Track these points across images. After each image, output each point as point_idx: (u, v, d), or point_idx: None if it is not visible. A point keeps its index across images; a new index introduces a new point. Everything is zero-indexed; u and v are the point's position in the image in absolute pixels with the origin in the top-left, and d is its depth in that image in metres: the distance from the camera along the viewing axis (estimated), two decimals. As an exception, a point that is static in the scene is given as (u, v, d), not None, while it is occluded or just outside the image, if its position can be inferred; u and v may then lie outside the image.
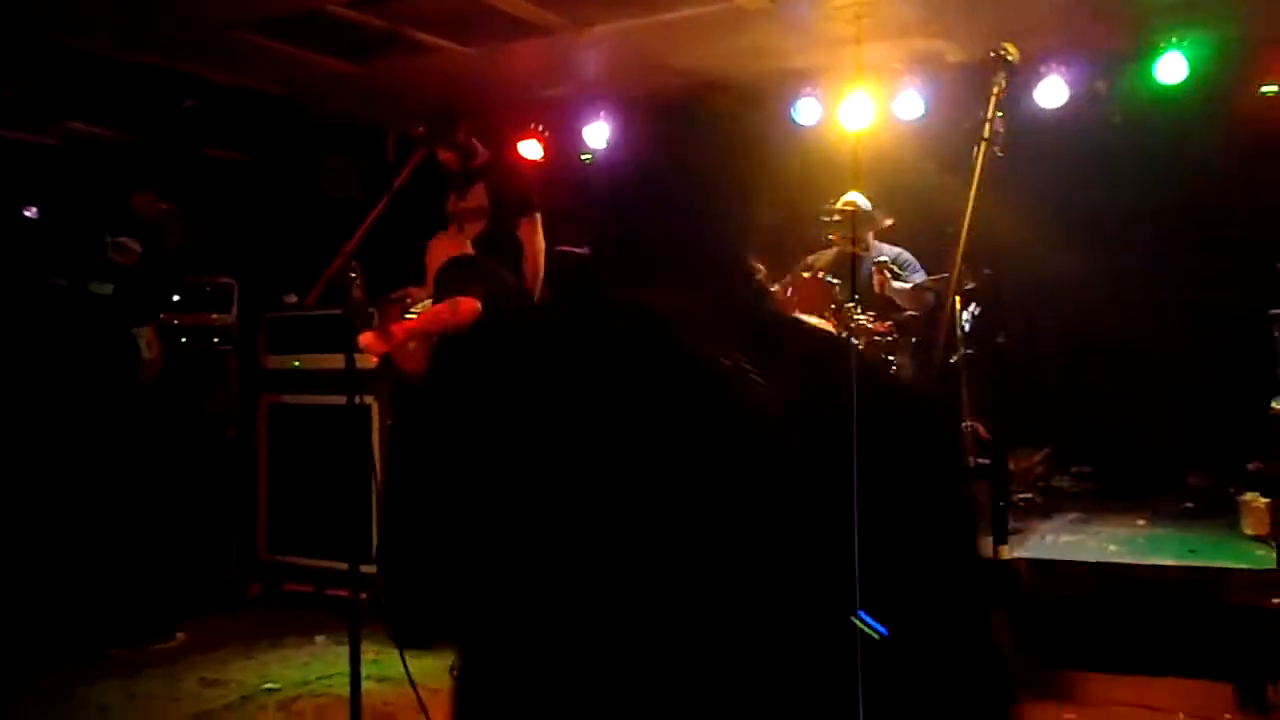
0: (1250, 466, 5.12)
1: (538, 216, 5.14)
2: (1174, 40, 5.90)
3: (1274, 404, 4.57)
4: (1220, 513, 5.31)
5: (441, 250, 4.95)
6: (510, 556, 1.48)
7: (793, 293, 5.47)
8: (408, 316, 4.82)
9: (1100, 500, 6.00)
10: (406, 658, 3.57)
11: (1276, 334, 4.69)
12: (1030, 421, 5.80)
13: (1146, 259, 6.17)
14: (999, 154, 3.29)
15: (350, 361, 4.55)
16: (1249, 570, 4.34)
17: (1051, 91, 6.16)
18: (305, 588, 6.19)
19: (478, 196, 5.10)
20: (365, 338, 4.53)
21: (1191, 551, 4.66)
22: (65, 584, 5.22)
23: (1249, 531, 4.85)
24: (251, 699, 4.65)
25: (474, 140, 5.14)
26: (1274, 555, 4.41)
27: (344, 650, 3.77)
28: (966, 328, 5.41)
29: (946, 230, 3.73)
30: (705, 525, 1.37)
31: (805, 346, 1.56)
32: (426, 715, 3.40)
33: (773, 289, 5.49)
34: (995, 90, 3.33)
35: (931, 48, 6.28)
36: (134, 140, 6.22)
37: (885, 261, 5.71)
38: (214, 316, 6.29)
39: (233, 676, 4.93)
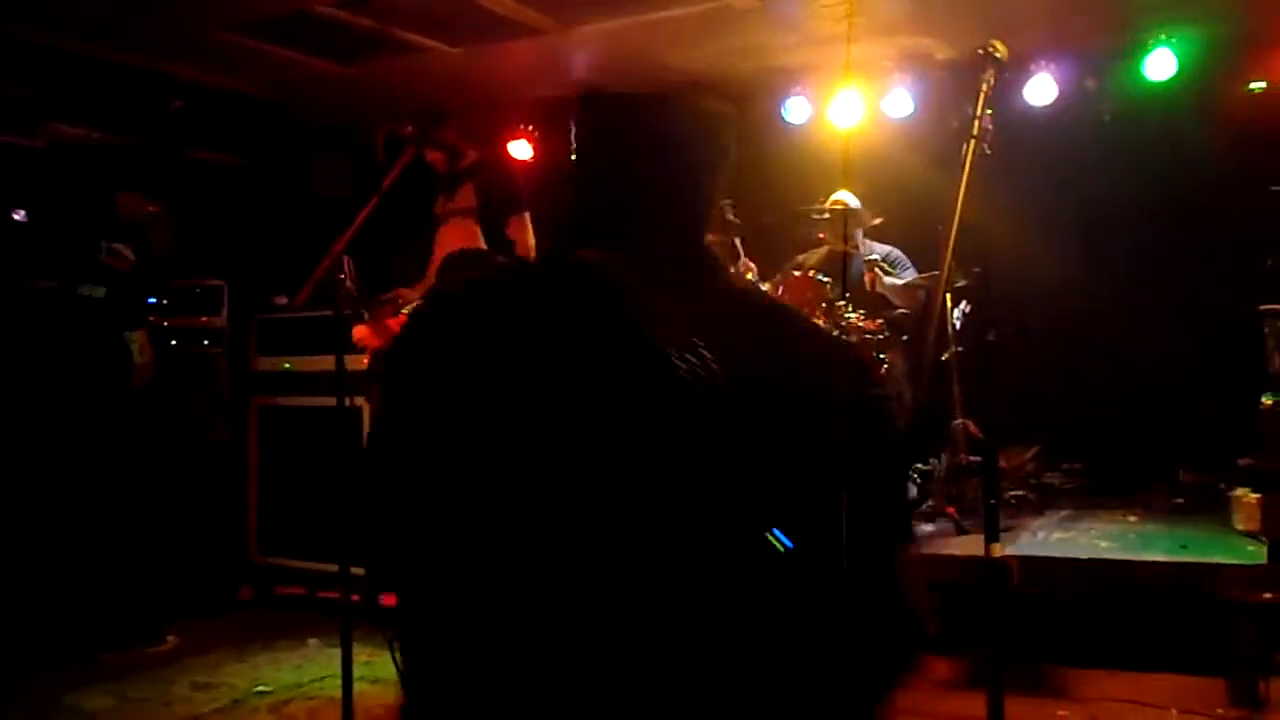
0: (1241, 462, 5.12)
1: (526, 215, 5.15)
2: (1163, 37, 5.91)
3: (1264, 400, 4.57)
4: (1211, 508, 5.32)
5: (451, 240, 4.92)
6: (441, 510, 1.52)
7: (784, 291, 5.46)
8: (403, 314, 4.80)
9: (1092, 497, 6.00)
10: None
11: (1267, 330, 4.69)
12: (1021, 419, 5.80)
13: (1137, 255, 6.18)
14: (988, 151, 3.29)
15: (340, 363, 4.55)
16: (1240, 566, 4.35)
17: (1041, 89, 6.17)
18: (297, 590, 6.18)
19: (466, 197, 5.09)
20: (359, 331, 4.51)
21: (1183, 547, 4.66)
22: (55, 588, 5.20)
23: (1240, 527, 4.85)
24: (243, 702, 4.63)
25: (461, 141, 5.14)
26: (1265, 551, 4.42)
27: (336, 652, 3.76)
28: (957, 325, 5.42)
29: (937, 228, 3.74)
30: (630, 477, 1.41)
31: (750, 314, 1.64)
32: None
33: (764, 286, 5.49)
34: (984, 88, 3.32)
35: (920, 45, 6.29)
36: (121, 142, 6.20)
37: (876, 260, 5.71)
38: (204, 319, 6.27)
39: (224, 680, 4.92)
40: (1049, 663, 4.55)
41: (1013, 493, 5.59)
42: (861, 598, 1.53)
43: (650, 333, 1.46)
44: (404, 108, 5.41)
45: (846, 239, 5.77)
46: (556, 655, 1.43)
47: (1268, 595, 4.21)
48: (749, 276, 5.51)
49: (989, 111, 3.30)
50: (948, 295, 5.24)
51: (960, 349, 5.40)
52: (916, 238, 5.95)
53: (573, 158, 1.68)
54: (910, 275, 5.89)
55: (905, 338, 5.73)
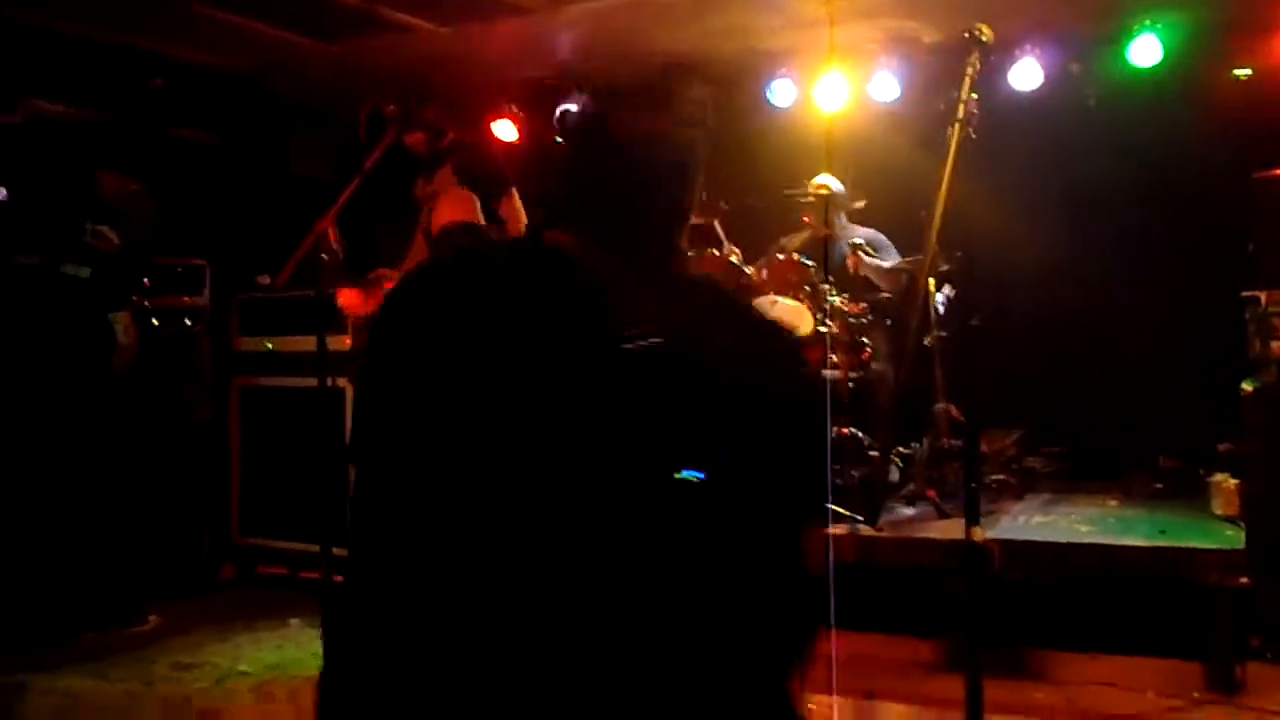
0: (1220, 448, 5.16)
1: (514, 192, 5.13)
2: (1148, 23, 5.92)
3: (1244, 385, 4.60)
4: (1191, 494, 5.35)
5: (450, 210, 4.88)
6: (407, 478, 1.61)
7: (768, 274, 5.47)
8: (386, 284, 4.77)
9: (1072, 481, 6.03)
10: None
11: (1248, 316, 4.71)
12: (1003, 403, 5.82)
13: (1120, 241, 6.20)
14: (973, 136, 3.29)
15: (322, 344, 4.54)
16: (1218, 550, 4.38)
17: (1026, 73, 6.17)
18: (278, 570, 6.17)
19: (445, 180, 5.07)
20: (345, 295, 4.47)
21: (1162, 532, 4.69)
22: (35, 568, 5.17)
23: (1219, 512, 4.88)
24: (225, 682, 4.63)
25: (444, 120, 5.11)
26: (1243, 535, 4.45)
27: (318, 633, 3.76)
28: (940, 309, 5.43)
29: (921, 213, 3.74)
30: (565, 442, 1.52)
31: (701, 300, 1.74)
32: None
33: (747, 269, 5.50)
34: (969, 72, 3.32)
35: (906, 29, 6.27)
36: (101, 119, 6.14)
37: (860, 244, 5.71)
38: (186, 298, 6.23)
39: (205, 660, 4.91)
40: (1028, 646, 4.58)
41: (994, 477, 5.61)
42: (765, 569, 1.64)
43: (604, 312, 1.58)
44: (388, 87, 5.38)
45: (829, 222, 5.78)
46: (481, 613, 1.53)
47: (1244, 580, 4.25)
48: (732, 259, 5.51)
49: (974, 96, 3.30)
50: (931, 279, 5.24)
51: (943, 333, 5.41)
52: (901, 221, 5.95)
53: (561, 148, 1.76)
54: (893, 259, 5.90)
55: (888, 321, 5.74)
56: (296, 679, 4.60)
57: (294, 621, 5.38)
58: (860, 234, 5.97)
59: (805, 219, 6.03)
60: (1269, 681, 4.21)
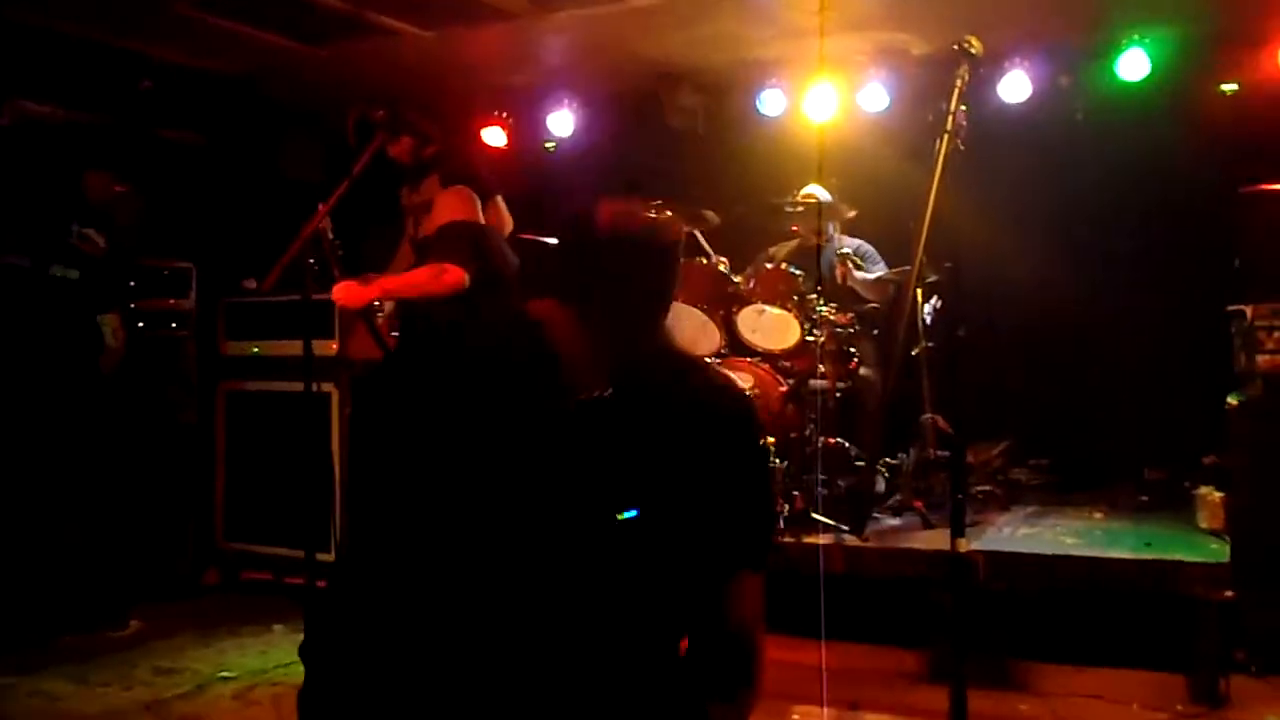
0: (1206, 461, 5.17)
1: (499, 199, 5.12)
2: (1136, 37, 5.94)
3: (1230, 399, 4.61)
4: (1176, 506, 5.36)
5: (452, 208, 4.85)
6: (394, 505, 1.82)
7: (755, 283, 5.47)
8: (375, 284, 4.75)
9: (1058, 493, 6.04)
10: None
11: (1233, 330, 4.73)
12: (990, 415, 5.83)
13: (1107, 254, 6.21)
14: (961, 147, 3.30)
15: (308, 348, 4.52)
16: (1203, 563, 4.38)
17: (1015, 86, 6.19)
18: (263, 575, 6.14)
19: (431, 189, 5.06)
20: (340, 287, 4.45)
21: (1147, 544, 4.70)
22: (17, 569, 5.14)
23: (1204, 525, 4.89)
24: (207, 688, 4.61)
25: (431, 126, 5.11)
26: (1228, 549, 4.46)
27: (301, 639, 3.74)
28: (928, 321, 5.44)
29: (909, 223, 3.75)
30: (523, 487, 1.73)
31: (669, 366, 1.95)
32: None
33: (735, 280, 5.50)
34: (959, 83, 3.34)
35: (896, 40, 6.29)
36: (89, 120, 6.11)
37: (848, 254, 5.72)
38: (172, 301, 6.21)
39: (188, 665, 4.88)
40: (1013, 657, 4.58)
41: (980, 488, 5.62)
42: (700, 613, 1.84)
43: (563, 371, 1.80)
44: (376, 91, 5.37)
45: (819, 232, 5.79)
46: (446, 632, 1.73)
47: (1229, 593, 4.26)
48: (720, 268, 5.51)
49: (963, 107, 3.31)
50: (918, 290, 5.25)
51: (930, 344, 5.42)
52: (889, 232, 5.96)
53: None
54: (880, 270, 5.91)
55: (875, 332, 5.75)
56: (280, 685, 4.58)
57: (277, 627, 5.36)
58: (848, 244, 5.98)
59: (794, 228, 6.04)
60: (1253, 695, 4.22)
